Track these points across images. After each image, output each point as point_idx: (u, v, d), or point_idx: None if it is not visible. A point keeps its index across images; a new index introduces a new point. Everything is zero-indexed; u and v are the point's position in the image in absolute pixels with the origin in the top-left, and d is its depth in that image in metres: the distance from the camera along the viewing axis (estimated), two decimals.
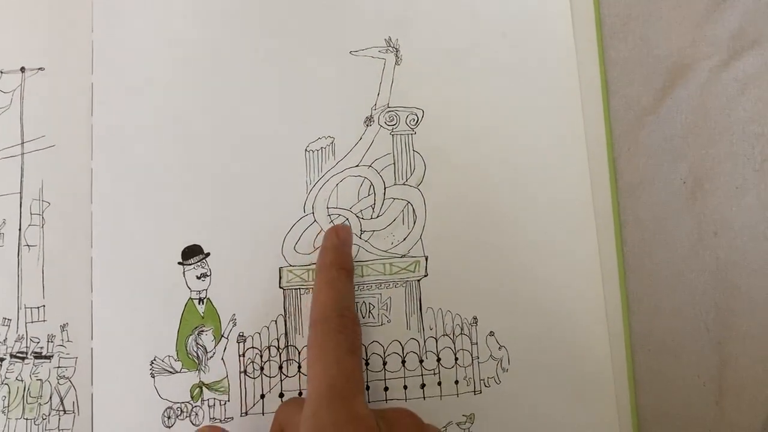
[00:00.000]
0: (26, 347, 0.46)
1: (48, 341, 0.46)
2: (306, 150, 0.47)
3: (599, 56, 0.49)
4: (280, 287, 0.46)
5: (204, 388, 0.45)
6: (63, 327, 0.46)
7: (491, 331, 0.46)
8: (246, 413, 0.45)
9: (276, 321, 0.46)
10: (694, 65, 0.49)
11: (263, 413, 0.45)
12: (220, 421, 0.45)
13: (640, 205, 0.48)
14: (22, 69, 0.49)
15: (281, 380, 0.45)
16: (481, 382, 0.46)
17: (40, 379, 0.46)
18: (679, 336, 0.47)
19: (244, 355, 0.45)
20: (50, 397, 0.46)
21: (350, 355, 0.38)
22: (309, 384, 0.38)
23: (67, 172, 0.47)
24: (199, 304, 0.46)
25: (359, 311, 0.46)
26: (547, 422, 0.46)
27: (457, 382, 0.46)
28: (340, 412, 0.35)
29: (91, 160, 0.47)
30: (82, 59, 0.48)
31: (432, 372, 0.46)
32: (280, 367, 0.46)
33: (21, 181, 0.48)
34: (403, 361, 0.46)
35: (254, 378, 0.45)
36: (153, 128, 0.47)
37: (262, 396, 0.45)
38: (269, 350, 0.46)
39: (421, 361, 0.46)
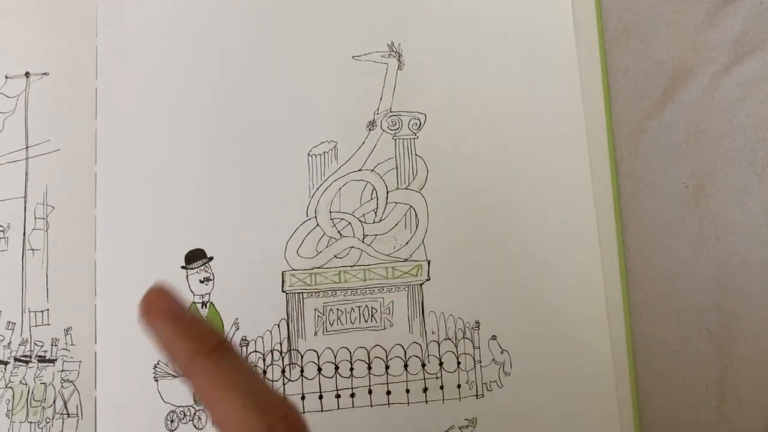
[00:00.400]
0: (30, 351, 0.46)
1: (52, 345, 0.46)
2: (309, 154, 0.48)
3: (601, 61, 0.49)
4: (282, 291, 0.46)
5: None
6: (67, 331, 0.46)
7: (493, 335, 0.46)
8: None
9: (278, 325, 0.46)
10: (696, 70, 0.49)
11: None
12: None
13: (642, 209, 0.48)
14: (27, 74, 0.49)
15: (284, 384, 0.46)
16: (484, 386, 0.46)
17: (44, 383, 0.46)
18: (681, 339, 0.47)
19: (246, 360, 0.45)
20: (54, 401, 0.46)
21: None
22: None
23: (72, 176, 0.48)
24: (201, 308, 0.46)
25: (362, 315, 0.46)
26: (549, 426, 0.45)
27: (459, 386, 0.46)
28: None
29: (95, 164, 0.47)
30: (86, 64, 0.49)
31: (434, 376, 0.46)
32: (283, 371, 0.46)
33: (26, 186, 0.48)
34: (406, 365, 0.46)
35: None
36: (157, 133, 0.48)
37: None
38: (272, 354, 0.46)
39: (424, 365, 0.46)
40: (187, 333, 0.29)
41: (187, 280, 0.46)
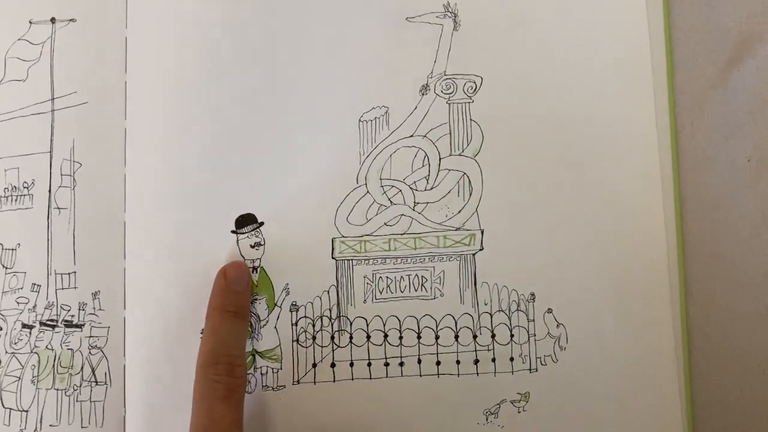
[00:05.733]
0: (56, 315, 0.45)
1: (79, 309, 0.45)
2: (360, 120, 0.46)
3: (665, 23, 0.47)
4: (332, 258, 0.46)
5: (256, 356, 0.45)
6: (95, 295, 0.45)
7: (549, 308, 0.46)
8: (298, 382, 0.45)
9: (328, 291, 0.45)
10: (765, 36, 0.48)
11: (314, 382, 0.45)
12: (273, 388, 0.45)
13: (701, 183, 0.47)
14: (53, 20, 0.47)
15: (333, 350, 0.45)
16: (538, 360, 0.45)
17: (71, 349, 0.45)
18: (738, 320, 0.46)
19: (296, 324, 0.45)
20: (81, 368, 0.45)
21: (222, 402, 0.40)
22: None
23: (100, 131, 0.46)
24: (252, 272, 0.45)
25: (411, 284, 0.46)
26: (604, 404, 0.45)
27: (512, 359, 0.45)
28: None
29: (124, 119, 0.46)
30: (116, 12, 0.47)
31: (486, 348, 0.45)
32: (332, 337, 0.45)
33: (51, 140, 0.46)
34: (457, 336, 0.45)
35: (306, 347, 0.45)
36: (193, 87, 0.46)
37: (314, 365, 0.45)
38: (321, 320, 0.45)
39: (475, 337, 0.45)
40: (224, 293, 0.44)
41: (238, 245, 0.45)
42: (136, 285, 0.45)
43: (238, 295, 0.44)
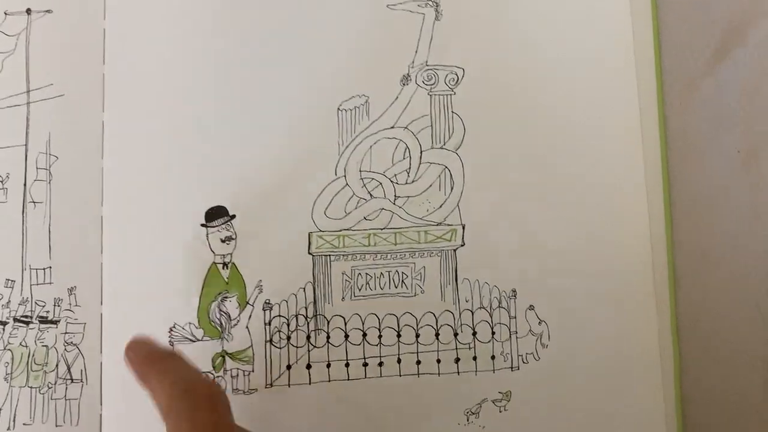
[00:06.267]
0: (31, 311, 0.45)
1: (54, 305, 0.45)
2: (338, 109, 0.46)
3: (652, 12, 0.47)
4: (309, 253, 0.45)
5: (227, 358, 0.44)
6: (71, 290, 0.45)
7: (531, 305, 0.45)
8: (271, 384, 0.44)
9: (304, 288, 0.45)
10: (755, 23, 0.46)
11: (289, 385, 0.44)
12: (244, 392, 0.44)
13: (690, 175, 0.46)
14: (28, 11, 0.46)
15: (309, 351, 0.44)
16: (519, 358, 0.45)
17: (45, 346, 0.45)
18: (728, 314, 0.45)
19: (270, 324, 0.44)
20: (56, 365, 0.44)
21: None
22: None
23: (77, 124, 0.46)
24: (223, 268, 0.45)
25: (391, 281, 0.45)
26: (588, 402, 0.45)
27: (493, 357, 0.45)
28: None
29: (102, 111, 0.45)
30: (93, 2, 0.46)
31: (467, 346, 0.45)
32: (308, 337, 0.45)
33: (27, 133, 0.46)
34: (437, 334, 0.45)
35: (280, 348, 0.44)
36: (171, 79, 0.45)
37: (288, 367, 0.44)
38: (296, 319, 0.45)
39: (456, 335, 0.45)
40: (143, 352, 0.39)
41: (208, 239, 0.44)
42: (114, 281, 0.44)
43: (150, 347, 0.40)
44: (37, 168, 0.45)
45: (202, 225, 0.44)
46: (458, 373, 0.45)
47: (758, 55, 0.46)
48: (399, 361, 0.44)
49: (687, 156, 0.47)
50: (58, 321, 0.44)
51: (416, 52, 0.46)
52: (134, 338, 0.39)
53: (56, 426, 0.44)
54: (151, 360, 0.38)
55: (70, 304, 0.45)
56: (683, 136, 0.47)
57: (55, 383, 0.44)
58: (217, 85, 0.45)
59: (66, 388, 0.44)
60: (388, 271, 0.45)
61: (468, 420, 0.44)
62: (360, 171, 0.45)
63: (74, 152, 0.45)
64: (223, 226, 0.44)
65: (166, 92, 0.45)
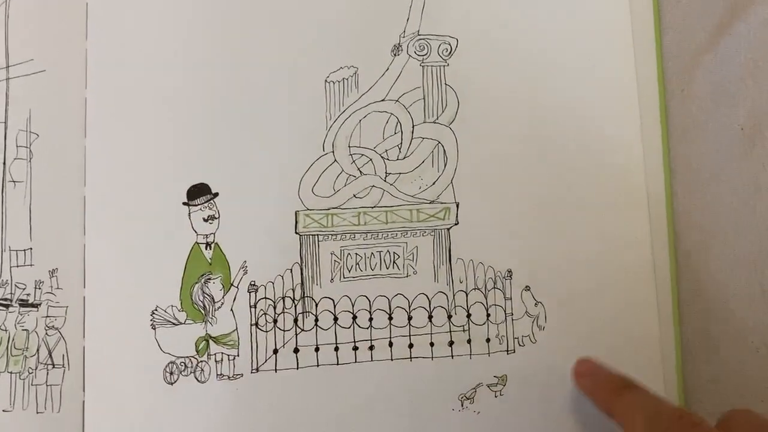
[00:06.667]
0: (11, 294, 0.44)
1: (35, 288, 0.44)
2: (326, 81, 0.45)
3: None
4: (296, 233, 0.44)
5: (211, 342, 0.44)
6: (52, 273, 0.44)
7: (527, 286, 0.45)
8: (257, 369, 0.43)
9: (291, 269, 0.44)
10: None
11: (276, 370, 0.43)
12: (228, 377, 0.43)
13: (692, 153, 0.46)
14: None
15: (296, 334, 0.44)
16: (515, 340, 0.44)
17: (26, 330, 0.44)
18: (730, 297, 0.45)
19: (255, 306, 0.44)
20: (37, 350, 0.44)
21: None
22: None
23: (59, 100, 0.45)
24: (206, 249, 0.44)
25: (382, 261, 0.44)
26: None
27: (488, 340, 0.44)
28: None
29: (85, 88, 0.45)
30: None
31: (461, 329, 0.44)
32: (296, 320, 0.44)
33: (6, 110, 0.45)
34: (430, 317, 0.44)
35: (266, 331, 0.44)
36: (155, 54, 0.45)
37: (275, 351, 0.44)
38: (283, 301, 0.44)
39: (450, 317, 0.44)
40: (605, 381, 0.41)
41: (190, 218, 0.44)
42: (97, 263, 0.43)
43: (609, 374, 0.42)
44: (17, 146, 0.45)
45: (184, 203, 0.44)
46: (452, 356, 0.44)
47: (761, 30, 0.46)
48: (390, 344, 0.44)
49: (688, 132, 0.46)
50: (39, 304, 0.44)
51: (408, 20, 0.45)
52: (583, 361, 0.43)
53: (37, 413, 0.43)
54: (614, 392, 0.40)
55: (51, 286, 0.44)
56: (684, 112, 0.46)
57: (36, 368, 0.44)
58: (201, 59, 0.45)
59: (47, 373, 0.44)
60: (379, 251, 0.44)
61: (462, 405, 0.43)
62: (349, 146, 0.45)
63: (56, 130, 0.45)
64: (206, 204, 0.44)
65: (149, 68, 0.45)
